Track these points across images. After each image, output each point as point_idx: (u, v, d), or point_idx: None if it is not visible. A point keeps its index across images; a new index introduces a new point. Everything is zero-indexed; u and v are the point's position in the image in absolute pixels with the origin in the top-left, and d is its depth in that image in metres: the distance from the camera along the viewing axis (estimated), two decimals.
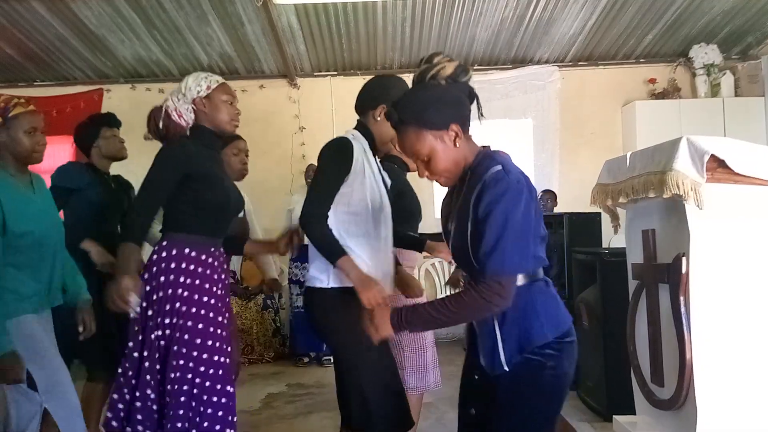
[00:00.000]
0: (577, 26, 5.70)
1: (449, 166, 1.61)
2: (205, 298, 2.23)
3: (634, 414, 2.79)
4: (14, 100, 2.28)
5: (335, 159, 2.19)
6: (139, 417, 2.17)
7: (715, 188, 2.22)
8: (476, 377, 1.73)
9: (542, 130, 6.19)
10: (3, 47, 5.76)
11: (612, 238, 3.68)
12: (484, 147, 1.66)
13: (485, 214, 1.51)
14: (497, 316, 1.61)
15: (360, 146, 2.25)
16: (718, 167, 2.20)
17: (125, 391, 2.21)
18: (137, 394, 2.18)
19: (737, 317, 2.28)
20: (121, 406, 2.21)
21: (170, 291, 2.18)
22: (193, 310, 2.19)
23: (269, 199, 5.34)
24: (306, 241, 2.25)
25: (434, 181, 1.69)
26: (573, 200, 5.19)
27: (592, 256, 3.42)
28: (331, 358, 2.57)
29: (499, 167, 1.55)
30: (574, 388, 3.67)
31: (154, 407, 2.18)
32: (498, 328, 1.61)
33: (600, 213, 3.42)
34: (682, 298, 2.28)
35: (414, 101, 1.60)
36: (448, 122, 1.57)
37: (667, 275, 2.36)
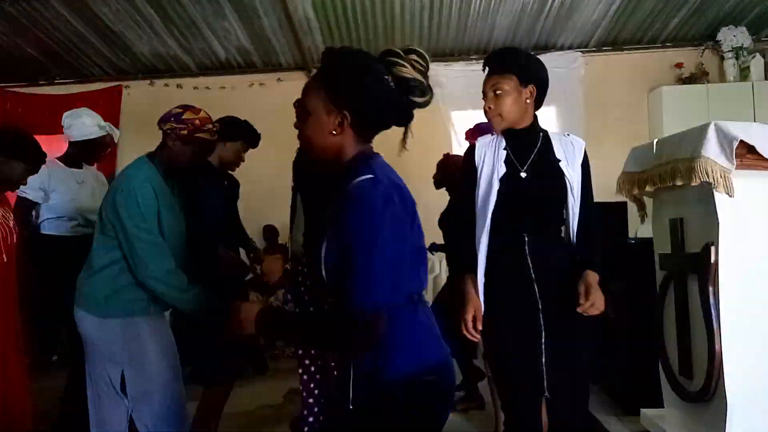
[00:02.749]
0: (600, 10, 5.58)
1: (313, 141, 1.45)
2: None
3: (662, 407, 2.75)
4: (208, 125, 2.35)
5: None
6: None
7: (745, 175, 2.17)
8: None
9: (566, 117, 6.09)
10: (23, 46, 5.83)
11: (639, 227, 3.60)
12: (372, 153, 1.47)
13: (348, 235, 1.30)
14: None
15: None
16: (747, 153, 2.16)
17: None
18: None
19: None
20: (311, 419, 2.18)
21: None
22: None
23: (287, 191, 5.34)
24: None
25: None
26: (598, 189, 5.05)
27: (618, 246, 3.36)
28: None
29: (369, 176, 1.35)
30: (600, 381, 3.61)
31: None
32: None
33: (626, 202, 3.36)
34: (711, 289, 2.23)
35: (343, 65, 1.43)
36: (344, 106, 1.40)
37: (696, 265, 2.31)
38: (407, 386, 1.36)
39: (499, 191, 2.17)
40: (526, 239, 2.15)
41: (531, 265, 2.14)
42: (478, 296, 2.17)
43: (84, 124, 3.30)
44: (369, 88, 1.39)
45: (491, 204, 2.17)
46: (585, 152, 2.25)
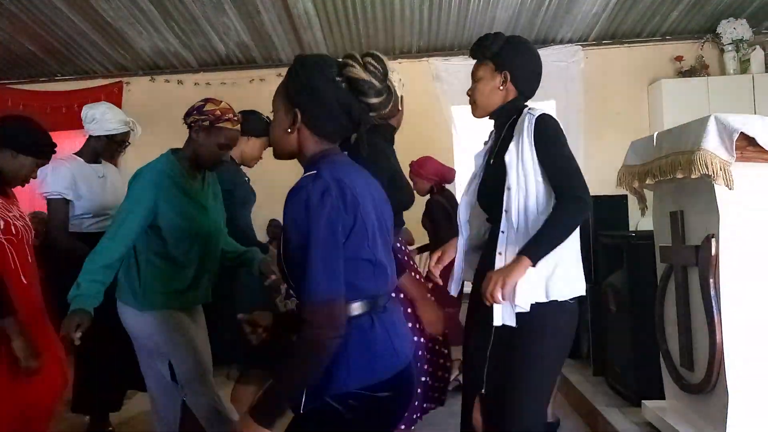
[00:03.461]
0: (600, 4, 5.57)
1: (275, 138, 1.51)
2: None
3: (664, 399, 2.76)
4: (229, 114, 2.37)
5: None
6: None
7: (745, 167, 2.18)
8: None
9: (566, 111, 6.08)
10: (24, 43, 5.83)
11: (639, 220, 3.61)
12: (331, 153, 1.49)
13: (290, 232, 1.35)
14: None
15: None
16: (747, 146, 2.16)
17: None
18: None
19: None
20: None
21: None
22: None
23: (290, 185, 5.33)
24: None
25: None
26: (599, 183, 5.06)
27: (619, 239, 3.37)
28: None
29: (312, 173, 1.39)
30: (601, 373, 3.63)
31: None
32: None
33: (626, 195, 3.36)
34: (711, 281, 2.24)
35: (299, 63, 1.47)
36: (295, 105, 1.45)
37: (697, 257, 2.32)
38: (358, 399, 1.37)
39: (480, 180, 2.20)
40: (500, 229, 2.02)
41: (498, 256, 2.02)
42: (453, 252, 2.26)
43: (107, 119, 3.23)
44: (315, 85, 1.43)
45: (473, 189, 2.22)
46: (537, 123, 1.98)
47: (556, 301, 1.93)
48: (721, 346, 2.22)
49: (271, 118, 1.53)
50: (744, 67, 5.95)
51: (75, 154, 3.27)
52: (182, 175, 2.34)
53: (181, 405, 2.35)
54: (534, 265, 1.86)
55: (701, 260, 2.29)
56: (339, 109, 1.44)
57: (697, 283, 2.33)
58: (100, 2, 5.14)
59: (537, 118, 1.98)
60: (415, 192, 3.09)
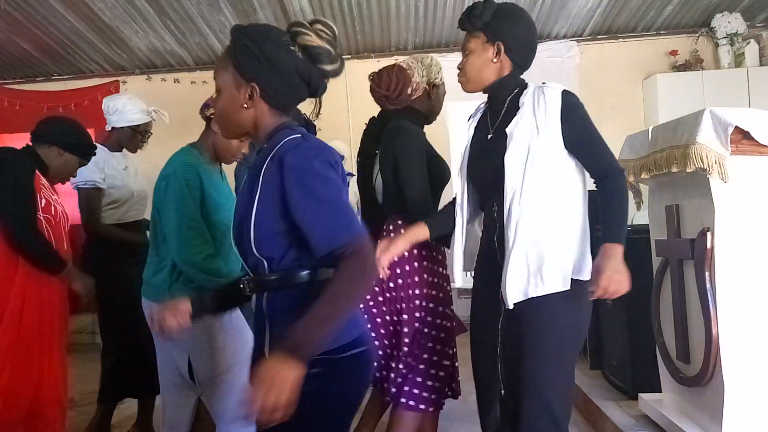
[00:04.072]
0: None
1: (226, 116, 1.46)
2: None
3: (660, 392, 2.78)
4: None
5: None
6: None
7: (740, 160, 2.19)
8: None
9: None
10: (20, 43, 5.82)
11: (635, 214, 3.62)
12: (295, 125, 1.46)
13: (295, 191, 1.32)
14: (269, 314, 1.41)
15: None
16: (742, 139, 2.17)
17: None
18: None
19: (764, 292, 2.24)
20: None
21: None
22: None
23: None
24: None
25: None
26: None
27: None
28: None
29: (296, 136, 1.38)
30: (598, 367, 3.65)
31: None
32: (268, 327, 1.40)
33: None
34: (707, 274, 2.25)
35: (249, 37, 1.42)
36: (252, 78, 1.40)
37: (692, 251, 2.33)
38: (324, 361, 1.31)
39: (470, 156, 2.04)
40: (504, 212, 1.87)
41: (496, 243, 1.93)
42: (406, 243, 2.08)
43: (128, 109, 3.24)
44: (273, 56, 1.39)
45: (464, 169, 2.06)
46: (565, 98, 1.87)
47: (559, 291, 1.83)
48: (717, 339, 2.23)
49: (224, 98, 1.45)
50: (739, 60, 5.96)
51: (99, 144, 3.25)
52: (205, 167, 2.33)
53: (195, 403, 2.33)
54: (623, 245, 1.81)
55: (697, 254, 2.30)
56: (299, 78, 1.42)
57: (693, 277, 2.34)
58: (96, 1, 5.14)
59: (563, 93, 1.87)
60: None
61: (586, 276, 1.86)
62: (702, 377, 2.32)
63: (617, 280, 1.76)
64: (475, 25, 1.95)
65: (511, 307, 1.83)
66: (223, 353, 2.31)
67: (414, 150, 2.37)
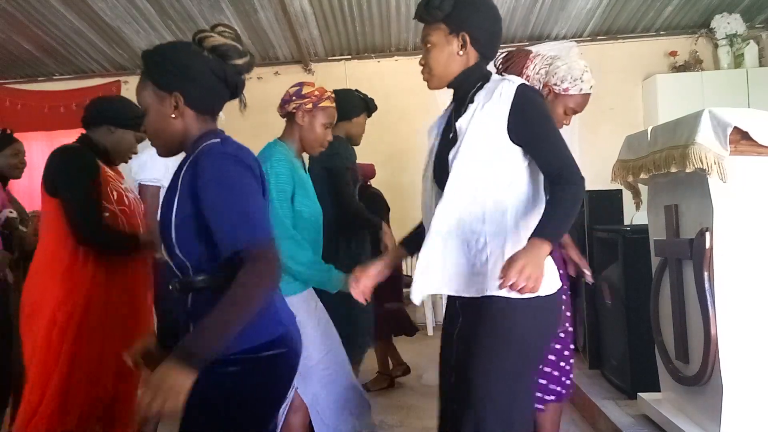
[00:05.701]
0: (594, 0, 5.60)
1: (159, 132, 1.51)
2: None
3: (659, 391, 2.78)
4: (327, 94, 2.43)
5: None
6: None
7: (739, 161, 2.20)
8: None
9: None
10: (21, 43, 5.82)
11: (634, 215, 3.63)
12: (219, 131, 1.52)
13: (210, 191, 1.37)
14: (190, 314, 1.44)
15: None
16: (741, 139, 2.18)
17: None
18: None
19: (763, 292, 2.25)
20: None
21: None
22: None
23: None
24: None
25: None
26: (593, 177, 5.03)
27: (614, 233, 3.39)
28: None
29: (216, 140, 1.45)
30: (597, 366, 3.65)
31: None
32: (192, 327, 1.41)
33: (621, 190, 3.38)
34: (706, 274, 2.26)
35: (159, 53, 1.50)
36: (172, 89, 1.46)
37: (691, 251, 2.34)
38: (240, 361, 1.38)
39: (436, 158, 1.88)
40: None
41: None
42: (385, 267, 1.98)
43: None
44: (186, 63, 1.46)
45: (429, 172, 1.89)
46: (519, 92, 1.70)
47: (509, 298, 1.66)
48: (716, 339, 2.24)
49: (152, 115, 1.50)
50: (738, 61, 5.97)
51: None
52: (294, 162, 2.37)
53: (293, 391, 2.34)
54: (553, 247, 1.61)
55: (695, 253, 2.31)
56: (215, 78, 1.48)
57: (692, 277, 2.35)
58: (97, 1, 5.13)
59: (519, 87, 1.70)
60: None
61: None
62: (701, 377, 2.33)
63: (527, 275, 1.52)
64: (434, 15, 1.76)
65: (417, 303, 1.80)
66: (315, 345, 2.33)
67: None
